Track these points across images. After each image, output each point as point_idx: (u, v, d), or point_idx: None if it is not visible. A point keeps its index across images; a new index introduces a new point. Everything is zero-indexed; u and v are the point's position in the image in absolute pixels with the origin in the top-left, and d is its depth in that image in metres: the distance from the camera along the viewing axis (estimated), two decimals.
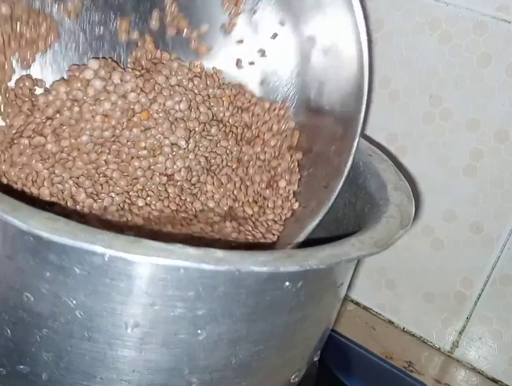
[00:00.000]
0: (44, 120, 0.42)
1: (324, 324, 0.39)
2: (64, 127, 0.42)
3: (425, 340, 0.57)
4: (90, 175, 0.42)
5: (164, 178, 0.44)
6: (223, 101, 0.46)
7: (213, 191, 0.45)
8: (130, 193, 0.43)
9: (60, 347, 0.31)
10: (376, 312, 0.59)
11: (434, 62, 0.51)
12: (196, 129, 0.44)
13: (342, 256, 0.31)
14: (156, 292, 0.29)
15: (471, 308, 0.54)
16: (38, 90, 0.43)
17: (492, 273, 0.52)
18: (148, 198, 0.43)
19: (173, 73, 0.45)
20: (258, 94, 0.47)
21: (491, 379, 0.54)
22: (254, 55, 0.46)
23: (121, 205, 0.42)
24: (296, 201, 0.45)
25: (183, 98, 0.44)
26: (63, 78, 0.44)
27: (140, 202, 0.43)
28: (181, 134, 0.43)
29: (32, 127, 0.41)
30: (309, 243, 0.42)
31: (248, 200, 0.45)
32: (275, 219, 0.45)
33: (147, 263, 0.29)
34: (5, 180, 0.41)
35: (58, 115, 0.42)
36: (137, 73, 0.44)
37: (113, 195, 0.42)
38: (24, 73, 0.43)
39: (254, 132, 0.47)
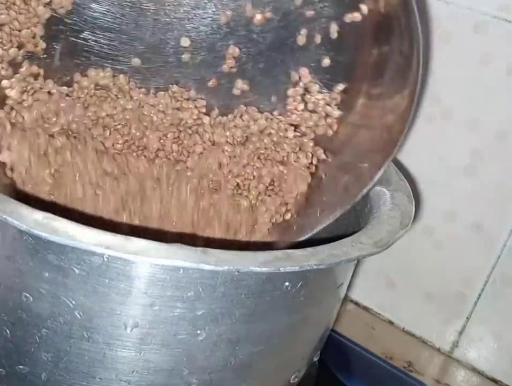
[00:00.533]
0: None
1: (324, 324, 0.39)
2: None
3: (425, 340, 0.56)
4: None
5: None
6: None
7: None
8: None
9: (59, 347, 0.31)
10: (376, 312, 0.59)
11: (434, 62, 0.50)
12: None
13: (342, 256, 0.31)
14: (156, 292, 0.29)
15: (471, 308, 0.53)
16: None
17: (492, 273, 0.52)
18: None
19: None
20: None
21: (491, 379, 0.54)
22: None
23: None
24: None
25: None
26: None
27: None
28: None
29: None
30: (309, 243, 0.42)
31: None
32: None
33: (146, 263, 0.29)
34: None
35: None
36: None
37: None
38: None
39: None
